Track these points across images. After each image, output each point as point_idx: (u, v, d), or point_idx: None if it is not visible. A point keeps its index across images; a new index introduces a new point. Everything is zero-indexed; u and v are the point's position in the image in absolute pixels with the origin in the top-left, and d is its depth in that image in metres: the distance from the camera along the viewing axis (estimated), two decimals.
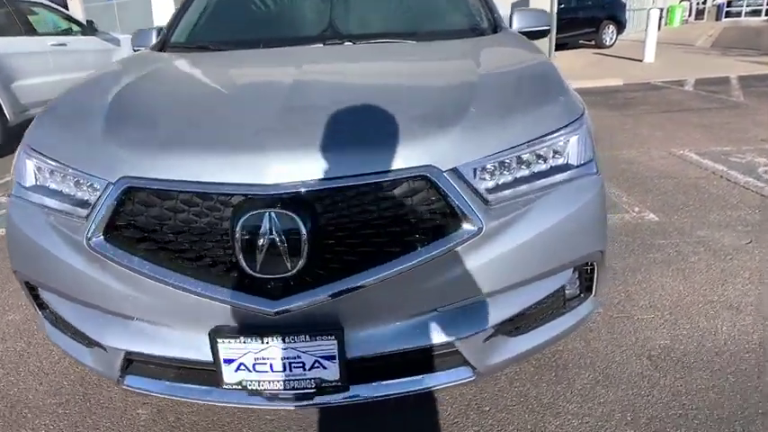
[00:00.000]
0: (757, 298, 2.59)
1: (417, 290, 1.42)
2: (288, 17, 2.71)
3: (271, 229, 1.29)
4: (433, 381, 1.52)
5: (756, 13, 31.51)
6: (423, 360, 1.51)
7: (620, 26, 15.85)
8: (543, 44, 9.92)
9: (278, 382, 1.41)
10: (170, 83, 1.96)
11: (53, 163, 1.58)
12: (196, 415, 1.97)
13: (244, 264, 1.32)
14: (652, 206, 3.77)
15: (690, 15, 32.22)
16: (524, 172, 1.55)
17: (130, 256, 1.41)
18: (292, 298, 1.34)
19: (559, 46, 12.67)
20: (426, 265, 1.38)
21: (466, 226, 1.40)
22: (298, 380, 1.41)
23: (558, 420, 1.89)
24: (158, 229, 1.41)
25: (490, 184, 1.49)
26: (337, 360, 1.39)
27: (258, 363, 1.39)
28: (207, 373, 1.49)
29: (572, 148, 1.63)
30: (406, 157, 1.38)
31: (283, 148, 1.37)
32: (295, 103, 1.57)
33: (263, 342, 1.36)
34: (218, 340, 1.38)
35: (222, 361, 1.40)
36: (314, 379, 1.41)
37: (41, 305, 1.79)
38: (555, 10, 10.04)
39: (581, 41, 15.69)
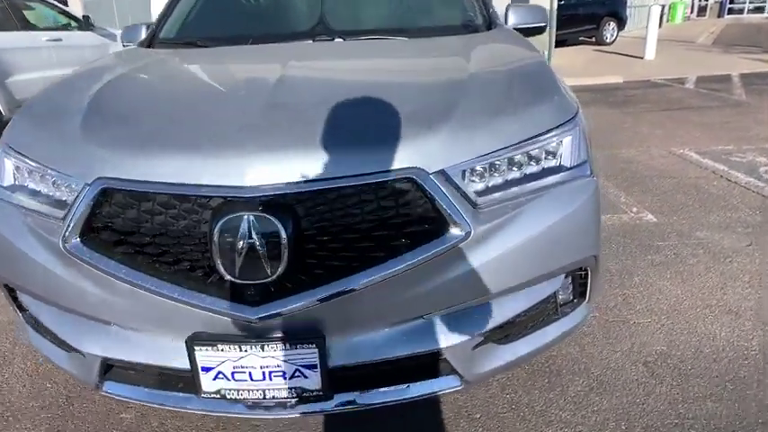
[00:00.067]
0: (757, 302, 2.53)
1: (402, 297, 1.37)
2: (278, 13, 2.65)
3: (249, 233, 1.24)
4: (420, 390, 1.48)
5: (759, 10, 31.34)
6: (408, 368, 1.46)
7: (621, 23, 15.73)
8: (543, 41, 9.84)
9: (257, 391, 1.37)
10: (152, 80, 1.91)
11: (31, 162, 1.53)
12: (180, 420, 1.92)
13: (221, 269, 1.27)
14: (651, 206, 3.71)
15: (692, 12, 32.06)
16: (515, 174, 1.50)
17: (107, 259, 1.36)
18: (272, 305, 1.29)
19: (559, 42, 12.58)
20: (412, 270, 1.33)
21: (453, 230, 1.35)
22: (278, 389, 1.37)
23: (551, 429, 1.84)
24: (135, 232, 1.36)
25: (479, 186, 1.44)
26: (319, 369, 1.34)
27: (237, 371, 1.35)
28: (187, 381, 1.45)
29: (565, 148, 1.58)
30: (391, 159, 1.33)
31: (263, 149, 1.31)
32: (277, 103, 1.52)
33: (241, 350, 1.32)
34: (196, 348, 1.33)
35: (200, 369, 1.35)
36: (295, 388, 1.37)
37: (21, 307, 1.74)
38: (555, 6, 9.95)
39: (581, 38, 15.57)
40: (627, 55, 12.75)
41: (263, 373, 1.34)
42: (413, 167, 1.33)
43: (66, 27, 6.81)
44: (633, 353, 2.22)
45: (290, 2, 2.73)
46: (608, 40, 15.39)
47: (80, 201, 1.36)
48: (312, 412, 1.44)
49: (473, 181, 1.43)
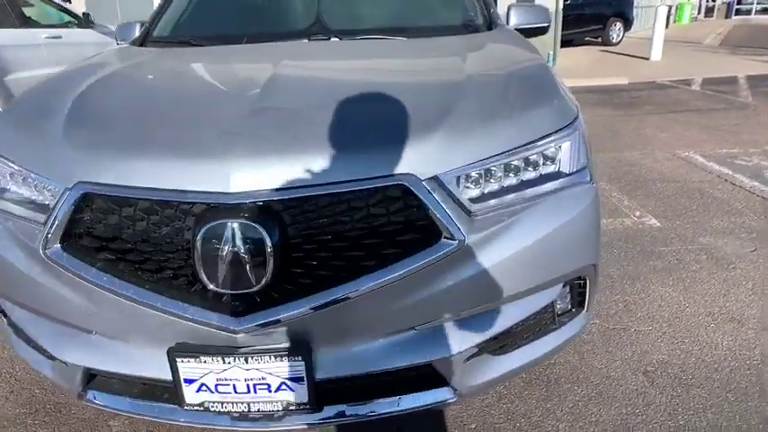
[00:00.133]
0: (760, 310, 2.48)
1: (392, 307, 1.33)
2: (275, 11, 2.61)
3: (233, 242, 1.20)
4: (411, 402, 1.43)
5: (767, 11, 31.14)
6: (400, 380, 1.42)
7: (628, 23, 15.62)
8: (548, 41, 9.78)
9: (242, 404, 1.33)
10: (138, 81, 1.86)
11: (13, 165, 1.49)
12: (168, 429, 1.88)
13: (204, 278, 1.23)
14: (654, 211, 3.65)
15: (699, 13, 31.90)
16: (512, 180, 1.45)
17: (87, 266, 1.32)
18: (256, 315, 1.25)
19: (565, 43, 12.49)
20: (402, 280, 1.29)
21: (446, 239, 1.30)
22: (263, 402, 1.32)
23: None
24: (117, 239, 1.32)
25: (474, 193, 1.39)
26: (305, 382, 1.30)
27: (220, 384, 1.30)
28: (171, 391, 1.41)
29: (564, 154, 1.53)
30: (381, 165, 1.29)
31: (247, 154, 1.27)
32: (265, 105, 1.48)
33: (224, 362, 1.27)
34: (177, 359, 1.29)
35: (182, 381, 1.31)
36: (281, 401, 1.32)
37: (4, 313, 1.70)
38: (560, 6, 9.87)
39: (587, 38, 15.48)
40: (633, 56, 12.66)
41: (248, 385, 1.30)
42: (404, 174, 1.28)
43: (66, 24, 6.78)
44: (633, 361, 2.17)
45: (288, 0, 2.68)
46: (614, 41, 15.28)
47: (60, 206, 1.32)
48: (300, 425, 1.39)
49: (468, 187, 1.39)
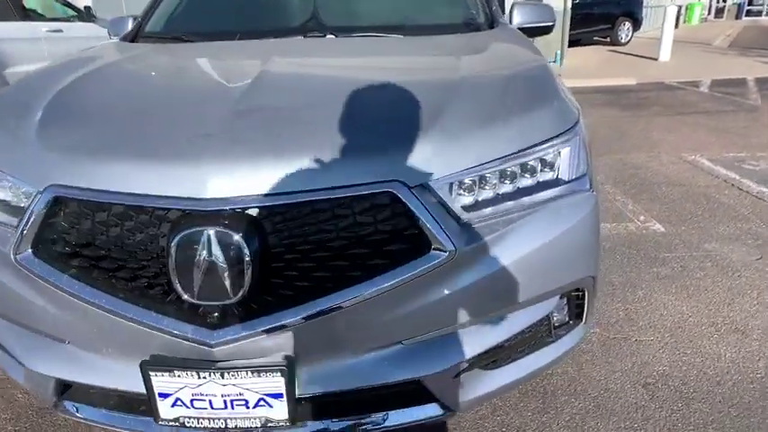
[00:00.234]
0: (765, 321, 2.40)
1: (378, 321, 1.26)
2: (271, 6, 2.53)
3: (209, 250, 1.14)
4: (398, 418, 1.37)
5: None
6: (386, 396, 1.36)
7: (637, 23, 15.46)
8: (556, 40, 9.67)
9: (219, 420, 1.27)
10: (122, 78, 1.80)
11: None
12: None
13: (179, 288, 1.17)
14: (658, 215, 3.57)
15: (709, 13, 31.59)
16: (508, 188, 1.39)
17: (59, 273, 1.26)
18: (233, 328, 1.19)
19: (573, 42, 12.37)
20: (389, 293, 1.22)
21: (435, 250, 1.24)
22: (241, 418, 1.26)
23: None
24: (90, 245, 1.26)
25: (467, 201, 1.33)
26: (285, 398, 1.24)
27: (196, 399, 1.24)
28: (147, 404, 1.35)
29: (563, 160, 1.46)
30: (367, 171, 1.22)
31: (225, 157, 1.21)
32: (249, 104, 1.41)
33: (199, 377, 1.21)
34: (151, 373, 1.23)
35: (156, 395, 1.25)
36: (259, 418, 1.26)
37: None
38: (569, 5, 9.75)
39: (595, 38, 15.33)
40: (641, 56, 12.52)
41: (225, 401, 1.24)
42: (391, 180, 1.22)
43: (67, 18, 6.74)
44: (633, 373, 2.10)
45: None
46: (623, 41, 15.13)
47: (32, 209, 1.26)
48: None
49: (460, 195, 1.32)
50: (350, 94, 1.45)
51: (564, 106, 1.57)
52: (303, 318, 1.19)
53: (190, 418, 1.27)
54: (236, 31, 2.23)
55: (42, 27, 6.24)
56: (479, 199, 1.34)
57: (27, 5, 6.41)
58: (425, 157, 1.28)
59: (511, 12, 2.64)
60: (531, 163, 1.41)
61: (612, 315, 2.47)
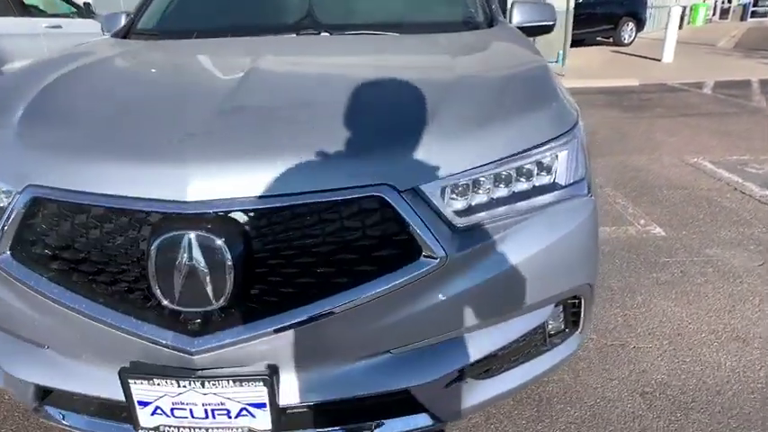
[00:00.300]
0: (767, 328, 2.36)
1: (366, 329, 1.22)
2: (266, 3, 2.49)
3: (190, 255, 1.10)
4: (385, 429, 1.33)
5: None
6: (373, 406, 1.31)
7: (640, 24, 15.38)
8: (558, 40, 9.61)
9: (200, 429, 1.23)
10: (109, 76, 1.76)
11: None
12: None
13: (159, 293, 1.13)
14: (659, 219, 3.52)
15: (714, 14, 31.45)
16: (503, 192, 1.34)
17: (38, 276, 1.22)
18: (214, 336, 1.15)
19: (576, 42, 12.29)
20: (377, 300, 1.18)
21: (426, 256, 1.19)
22: (222, 428, 1.22)
23: None
24: (70, 248, 1.22)
25: (460, 205, 1.28)
26: (268, 408, 1.20)
27: (176, 407, 1.20)
28: (128, 411, 1.31)
29: (561, 164, 1.41)
30: (356, 174, 1.18)
31: (208, 159, 1.16)
32: (235, 104, 1.36)
33: (179, 386, 1.17)
34: (130, 381, 1.19)
35: (136, 403, 1.21)
36: (241, 428, 1.22)
37: None
38: (571, 5, 9.69)
39: (598, 38, 15.26)
40: (644, 57, 12.46)
41: (206, 410, 1.20)
42: (380, 184, 1.17)
43: (67, 14, 6.70)
44: (631, 381, 2.05)
45: None
46: (626, 41, 15.05)
47: (10, 209, 1.22)
48: None
49: (453, 199, 1.28)
50: (340, 94, 1.40)
51: (562, 108, 1.53)
52: (287, 325, 1.16)
53: (170, 426, 1.23)
54: (230, 28, 2.19)
55: (41, 23, 6.21)
56: (473, 203, 1.30)
57: (27, 1, 6.38)
58: (417, 159, 1.24)
59: (511, 10, 2.59)
60: (527, 166, 1.36)
61: (610, 321, 2.43)
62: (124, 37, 2.32)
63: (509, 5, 2.64)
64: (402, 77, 1.54)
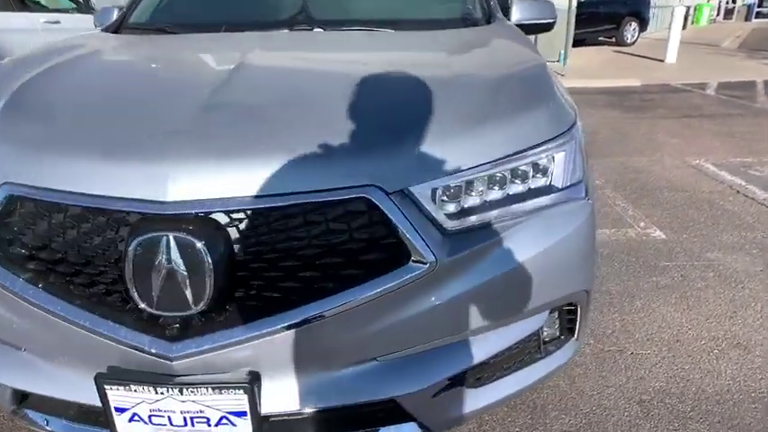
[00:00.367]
0: None
1: (351, 336, 1.18)
2: None
3: (168, 257, 1.05)
4: None
5: None
6: (359, 415, 1.27)
7: (643, 23, 15.30)
8: (559, 40, 9.55)
9: None
10: (94, 71, 1.70)
11: None
12: None
13: (136, 297, 1.09)
14: (659, 222, 3.47)
15: (718, 15, 31.36)
16: (497, 194, 1.29)
17: (14, 277, 1.18)
18: (193, 341, 1.11)
19: (578, 42, 12.23)
20: (363, 306, 1.14)
21: (415, 261, 1.15)
22: None
23: None
24: (47, 248, 1.18)
25: (452, 208, 1.24)
26: (249, 417, 1.15)
27: (154, 415, 1.16)
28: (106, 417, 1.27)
29: (557, 166, 1.37)
30: (342, 175, 1.13)
31: (188, 157, 1.12)
32: (219, 100, 1.32)
33: (156, 392, 1.13)
34: (106, 386, 1.14)
35: (113, 409, 1.17)
36: None
37: None
38: (574, 4, 9.62)
39: (601, 38, 15.18)
40: (647, 57, 12.39)
41: (185, 418, 1.16)
42: (367, 185, 1.13)
43: (66, 9, 6.65)
44: (628, 389, 2.01)
45: None
46: (628, 41, 14.98)
47: None
48: None
49: (444, 202, 1.23)
50: (328, 92, 1.36)
51: (559, 107, 1.48)
52: (269, 332, 1.11)
53: None
54: (222, 23, 2.14)
55: (40, 18, 6.16)
56: (465, 206, 1.26)
57: None
58: (407, 160, 1.19)
59: (510, 7, 2.54)
60: (522, 168, 1.32)
61: (608, 326, 2.38)
62: (115, 31, 2.27)
63: (510, 2, 2.59)
64: (393, 75, 1.49)
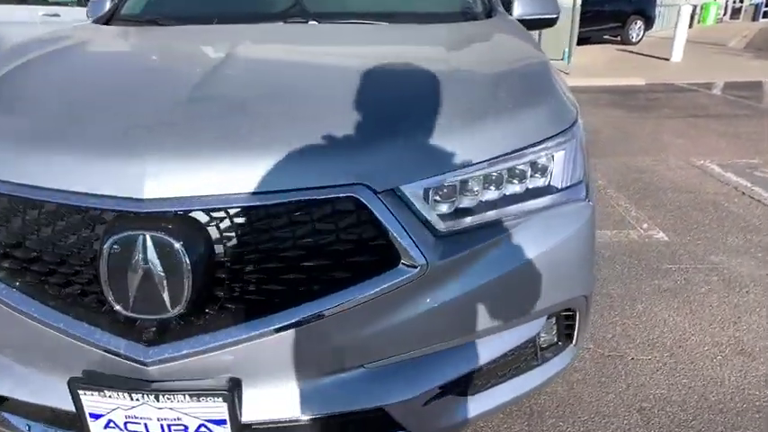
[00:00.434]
0: None
1: (337, 341, 1.13)
2: None
3: (145, 258, 1.00)
4: None
5: None
6: (345, 424, 1.22)
7: (649, 22, 15.18)
8: (564, 38, 9.47)
9: None
10: (78, 63, 1.64)
11: None
12: None
13: (111, 298, 1.03)
14: (663, 224, 3.41)
15: (725, 14, 31.14)
16: (493, 195, 1.24)
17: None
18: (172, 345, 1.06)
19: (582, 40, 12.14)
20: (350, 310, 1.08)
21: (404, 263, 1.10)
22: None
23: None
24: (20, 246, 1.13)
25: (445, 208, 1.18)
26: (229, 425, 1.10)
27: (130, 421, 1.11)
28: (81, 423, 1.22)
29: (557, 165, 1.31)
30: (330, 173, 1.08)
31: (167, 153, 1.06)
32: (202, 94, 1.26)
33: (132, 399, 1.08)
34: (80, 391, 1.09)
35: (88, 415, 1.12)
36: None
37: None
38: (579, 2, 9.53)
39: (606, 37, 15.07)
40: (652, 56, 12.30)
41: (162, 425, 1.11)
42: (356, 184, 1.07)
43: (65, 2, 6.60)
44: (628, 396, 1.95)
45: None
46: (634, 40, 14.86)
47: None
48: None
49: (437, 202, 1.17)
50: (318, 86, 1.30)
51: (560, 104, 1.42)
52: (250, 336, 1.06)
53: None
54: (215, 15, 2.08)
55: (39, 11, 6.10)
56: (459, 207, 1.20)
57: None
58: (398, 158, 1.14)
59: (512, 2, 2.48)
60: (520, 167, 1.26)
61: (609, 330, 2.32)
62: (106, 23, 2.21)
63: None
64: (386, 70, 1.43)
